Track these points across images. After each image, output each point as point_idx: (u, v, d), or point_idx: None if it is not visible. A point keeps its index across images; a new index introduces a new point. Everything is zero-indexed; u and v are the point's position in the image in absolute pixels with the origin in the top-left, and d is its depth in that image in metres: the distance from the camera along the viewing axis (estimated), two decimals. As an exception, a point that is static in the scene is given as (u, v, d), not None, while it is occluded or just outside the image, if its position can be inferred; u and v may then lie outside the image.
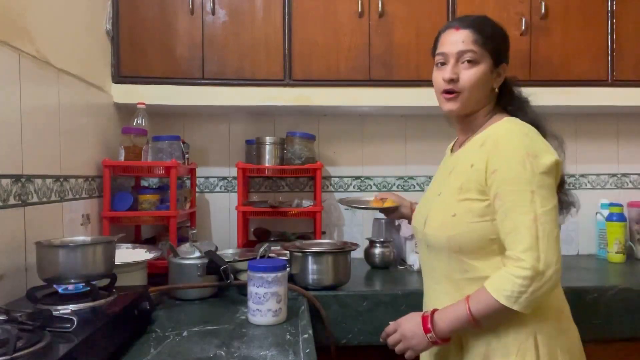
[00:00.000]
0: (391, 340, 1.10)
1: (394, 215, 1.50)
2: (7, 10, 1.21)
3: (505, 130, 1.05)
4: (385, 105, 1.96)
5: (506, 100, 1.15)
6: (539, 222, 0.95)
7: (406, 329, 1.07)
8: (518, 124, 1.07)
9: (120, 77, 1.86)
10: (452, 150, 1.25)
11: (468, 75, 1.08)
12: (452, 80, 1.09)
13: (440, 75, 1.11)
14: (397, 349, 1.09)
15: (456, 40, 1.10)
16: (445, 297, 1.09)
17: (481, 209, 1.03)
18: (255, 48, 1.88)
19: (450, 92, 1.10)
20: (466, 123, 1.16)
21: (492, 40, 1.10)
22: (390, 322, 1.13)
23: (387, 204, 1.47)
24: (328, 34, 1.89)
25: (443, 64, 1.12)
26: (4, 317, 0.87)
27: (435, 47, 1.17)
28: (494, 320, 1.00)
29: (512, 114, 1.13)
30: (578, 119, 2.27)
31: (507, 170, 0.99)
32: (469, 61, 1.08)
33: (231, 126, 2.19)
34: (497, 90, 1.13)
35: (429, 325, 1.03)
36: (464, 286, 1.05)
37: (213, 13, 1.86)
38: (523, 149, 1.00)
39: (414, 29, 1.90)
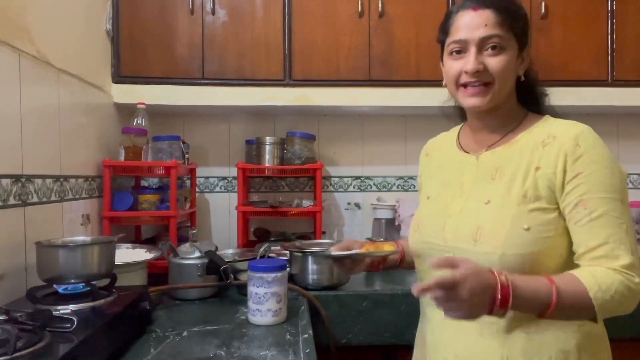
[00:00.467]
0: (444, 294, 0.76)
1: (357, 267, 1.10)
2: (7, 10, 1.21)
3: (580, 130, 0.92)
4: (385, 105, 1.96)
5: (527, 92, 1.02)
6: (630, 237, 0.85)
7: (479, 283, 0.77)
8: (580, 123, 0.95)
9: (120, 77, 1.86)
10: (463, 149, 1.07)
11: (496, 63, 0.92)
12: (477, 72, 0.93)
13: (458, 66, 0.95)
14: (446, 305, 0.78)
15: (476, 24, 0.92)
16: (476, 338, 0.91)
17: (554, 220, 0.89)
18: (255, 48, 1.88)
19: (473, 85, 0.94)
20: (492, 119, 1.00)
21: (517, 20, 0.95)
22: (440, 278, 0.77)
23: (387, 247, 1.11)
24: (328, 34, 1.89)
25: (459, 52, 0.95)
26: (4, 317, 0.88)
27: (444, 31, 0.99)
28: (563, 316, 0.85)
29: (534, 108, 1.03)
30: (578, 119, 2.24)
31: (596, 175, 0.86)
32: (493, 47, 0.92)
33: (231, 126, 2.19)
34: (523, 78, 0.99)
35: (510, 294, 0.78)
36: (514, 323, 0.88)
37: (213, 13, 1.87)
38: (608, 153, 0.89)
39: (414, 29, 1.90)
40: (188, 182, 2.10)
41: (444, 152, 1.13)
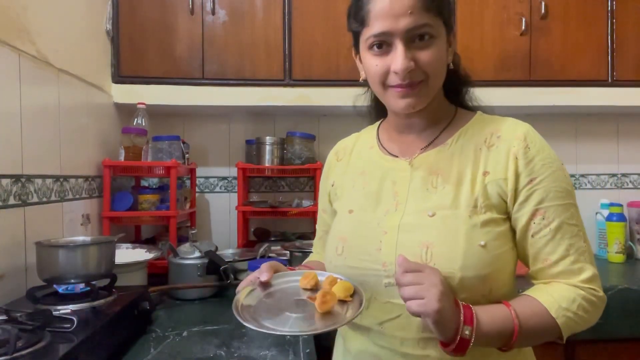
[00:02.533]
0: (407, 291, 0.71)
1: None
2: (7, 10, 1.21)
3: (526, 129, 0.81)
4: (385, 105, 1.95)
5: (452, 81, 0.89)
6: (587, 244, 0.80)
7: (447, 286, 0.72)
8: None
9: (120, 77, 1.86)
10: (389, 153, 0.92)
11: (429, 56, 0.78)
12: (408, 72, 0.78)
13: (383, 64, 0.79)
14: (411, 289, 0.70)
15: (399, 11, 0.76)
16: None
17: (505, 232, 0.79)
18: (255, 48, 1.88)
19: (404, 86, 0.79)
20: (421, 117, 0.87)
21: (444, 1, 0.80)
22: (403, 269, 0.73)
23: (342, 290, 0.78)
24: (328, 34, 1.89)
25: (381, 45, 0.79)
26: (4, 317, 0.88)
27: (359, 20, 0.81)
28: (528, 343, 0.79)
29: (459, 98, 0.92)
30: (578, 119, 2.27)
31: (550, 180, 0.78)
32: (422, 38, 0.77)
33: (231, 126, 2.19)
34: (452, 66, 0.86)
35: (473, 315, 0.71)
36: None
37: (213, 13, 1.87)
38: (555, 154, 0.81)
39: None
40: (188, 182, 2.10)
41: (364, 157, 0.96)
